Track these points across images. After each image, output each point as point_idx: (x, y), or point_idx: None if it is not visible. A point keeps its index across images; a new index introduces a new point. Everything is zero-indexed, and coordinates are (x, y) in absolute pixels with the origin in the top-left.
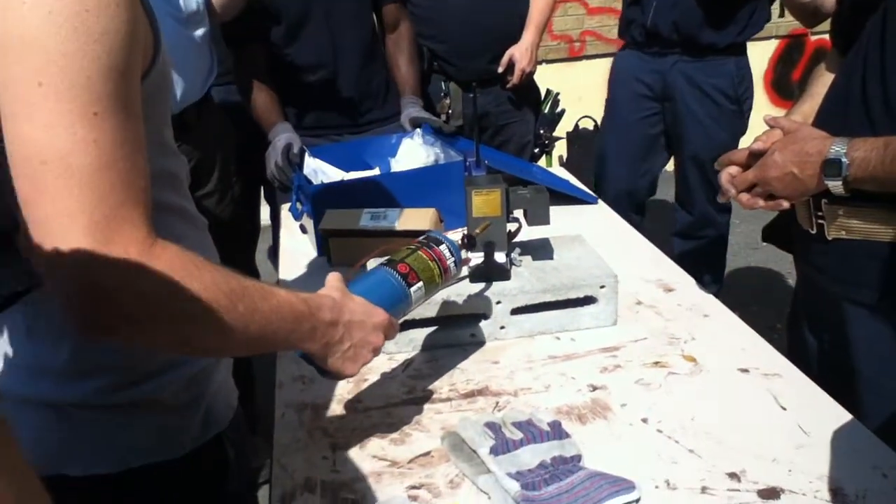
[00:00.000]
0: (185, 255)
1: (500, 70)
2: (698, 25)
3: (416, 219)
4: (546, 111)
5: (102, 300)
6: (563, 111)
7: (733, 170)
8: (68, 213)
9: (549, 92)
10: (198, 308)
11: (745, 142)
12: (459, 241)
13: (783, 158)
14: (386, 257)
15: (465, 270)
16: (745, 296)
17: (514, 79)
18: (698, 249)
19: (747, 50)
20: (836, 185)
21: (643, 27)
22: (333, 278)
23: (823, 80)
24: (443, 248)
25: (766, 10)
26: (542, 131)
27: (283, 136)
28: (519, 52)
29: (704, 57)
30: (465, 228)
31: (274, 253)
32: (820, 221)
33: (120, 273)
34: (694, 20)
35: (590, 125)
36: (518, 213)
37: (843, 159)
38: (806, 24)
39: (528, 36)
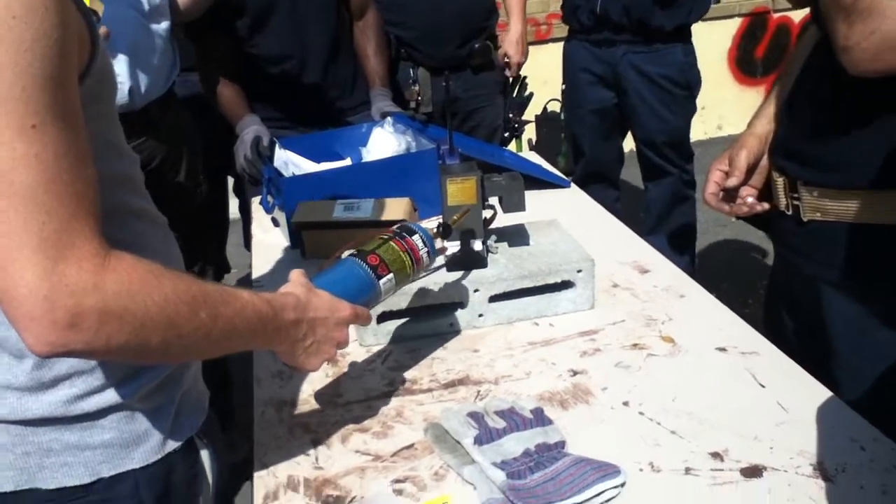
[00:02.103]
0: (141, 266)
1: (505, 64)
2: (649, 7)
3: (390, 209)
4: (515, 95)
5: (59, 319)
6: (531, 94)
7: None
8: (16, 232)
9: (517, 76)
10: (158, 319)
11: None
12: (434, 231)
13: None
14: (356, 248)
15: (441, 259)
16: (715, 273)
17: (512, 73)
18: (668, 227)
19: (707, 30)
20: None
21: (592, 12)
22: (297, 274)
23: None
24: (416, 238)
25: None
26: (511, 115)
27: (251, 129)
28: (512, 48)
29: (653, 44)
30: (441, 217)
31: (248, 246)
32: (795, 203)
33: (75, 290)
34: (644, 2)
35: (557, 108)
36: (493, 200)
37: None
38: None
39: (515, 26)
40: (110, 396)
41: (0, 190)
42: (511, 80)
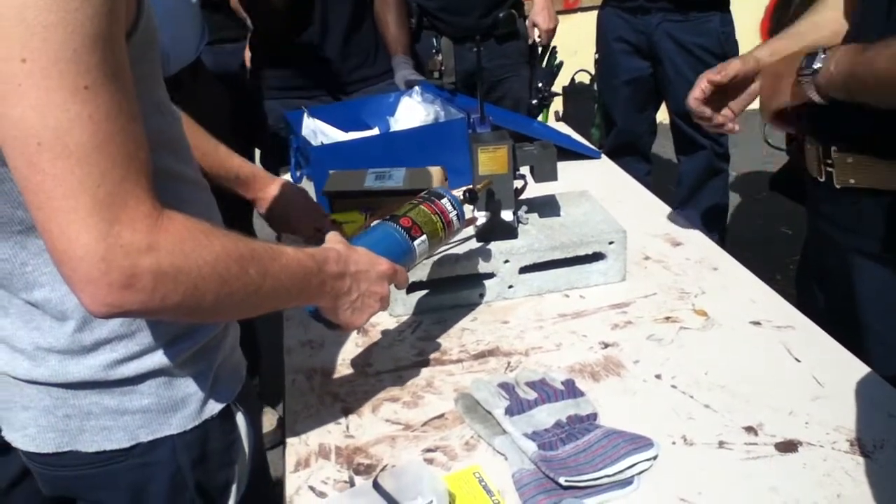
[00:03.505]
0: (192, 224)
1: (537, 40)
2: None
3: (422, 177)
4: (544, 64)
5: (115, 281)
6: (561, 63)
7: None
8: (71, 194)
9: (546, 45)
10: (210, 278)
11: None
12: (461, 196)
13: (774, 67)
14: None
15: (471, 230)
16: (745, 248)
17: (542, 41)
18: (700, 201)
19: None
20: (808, 81)
21: None
22: (333, 234)
23: (813, 20)
24: (444, 201)
25: None
26: (540, 84)
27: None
28: (539, 17)
29: (688, 13)
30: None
31: None
32: (829, 169)
33: (130, 251)
34: None
35: (586, 79)
36: (524, 170)
37: (821, 53)
38: None
39: None
40: (150, 362)
41: (55, 152)
42: (540, 49)
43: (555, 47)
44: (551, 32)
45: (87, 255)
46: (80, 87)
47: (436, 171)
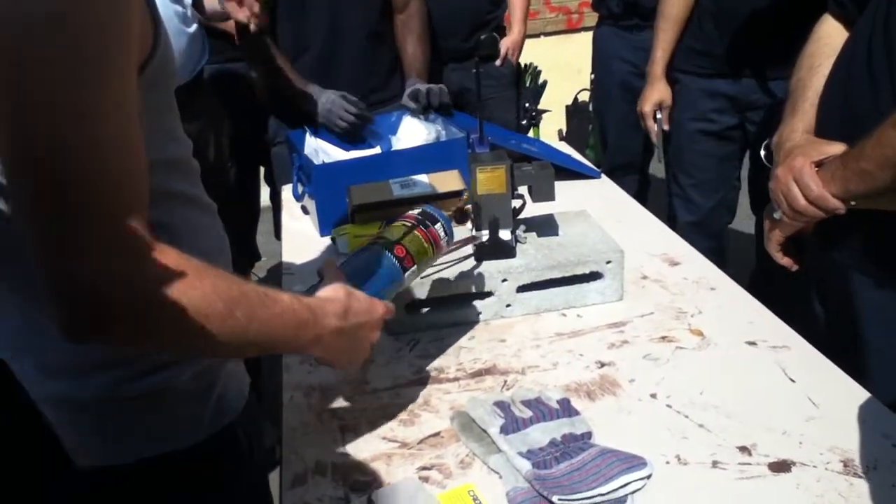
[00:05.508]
0: (183, 262)
1: (498, 63)
2: None
3: (444, 181)
4: (528, 84)
5: (95, 312)
6: (545, 83)
7: None
8: (66, 219)
9: (528, 66)
10: (192, 316)
11: None
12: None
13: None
14: (381, 235)
15: (470, 248)
16: (743, 266)
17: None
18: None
19: None
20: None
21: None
22: (330, 267)
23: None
24: (438, 226)
25: None
26: (527, 104)
27: (327, 92)
28: (511, 43)
29: None
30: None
31: (278, 235)
32: None
33: (117, 282)
34: None
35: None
36: (523, 190)
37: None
38: None
39: (517, 28)
40: (155, 380)
41: (55, 176)
42: (524, 68)
43: (537, 67)
44: (505, 62)
45: (73, 283)
46: (87, 116)
47: (454, 175)
